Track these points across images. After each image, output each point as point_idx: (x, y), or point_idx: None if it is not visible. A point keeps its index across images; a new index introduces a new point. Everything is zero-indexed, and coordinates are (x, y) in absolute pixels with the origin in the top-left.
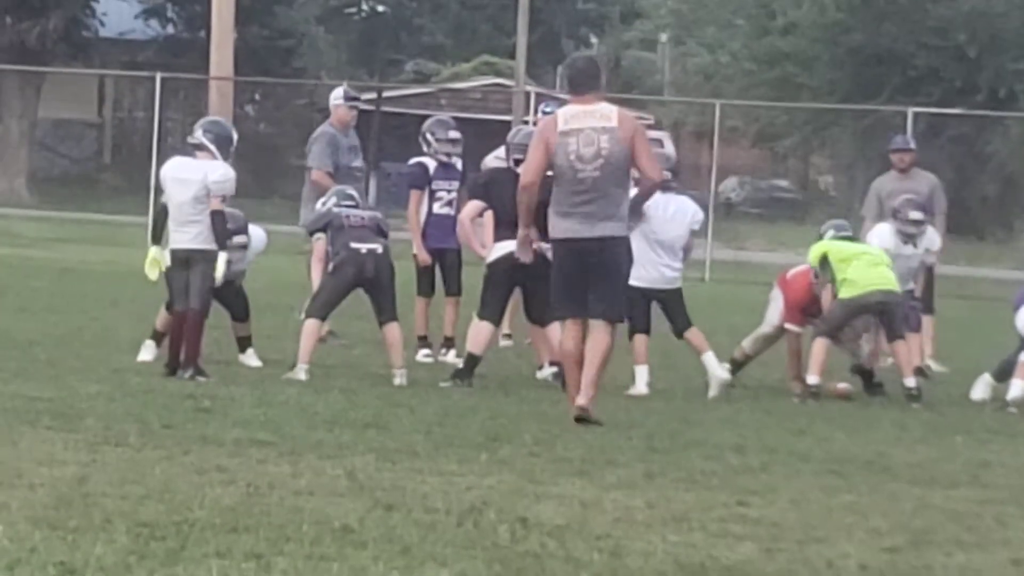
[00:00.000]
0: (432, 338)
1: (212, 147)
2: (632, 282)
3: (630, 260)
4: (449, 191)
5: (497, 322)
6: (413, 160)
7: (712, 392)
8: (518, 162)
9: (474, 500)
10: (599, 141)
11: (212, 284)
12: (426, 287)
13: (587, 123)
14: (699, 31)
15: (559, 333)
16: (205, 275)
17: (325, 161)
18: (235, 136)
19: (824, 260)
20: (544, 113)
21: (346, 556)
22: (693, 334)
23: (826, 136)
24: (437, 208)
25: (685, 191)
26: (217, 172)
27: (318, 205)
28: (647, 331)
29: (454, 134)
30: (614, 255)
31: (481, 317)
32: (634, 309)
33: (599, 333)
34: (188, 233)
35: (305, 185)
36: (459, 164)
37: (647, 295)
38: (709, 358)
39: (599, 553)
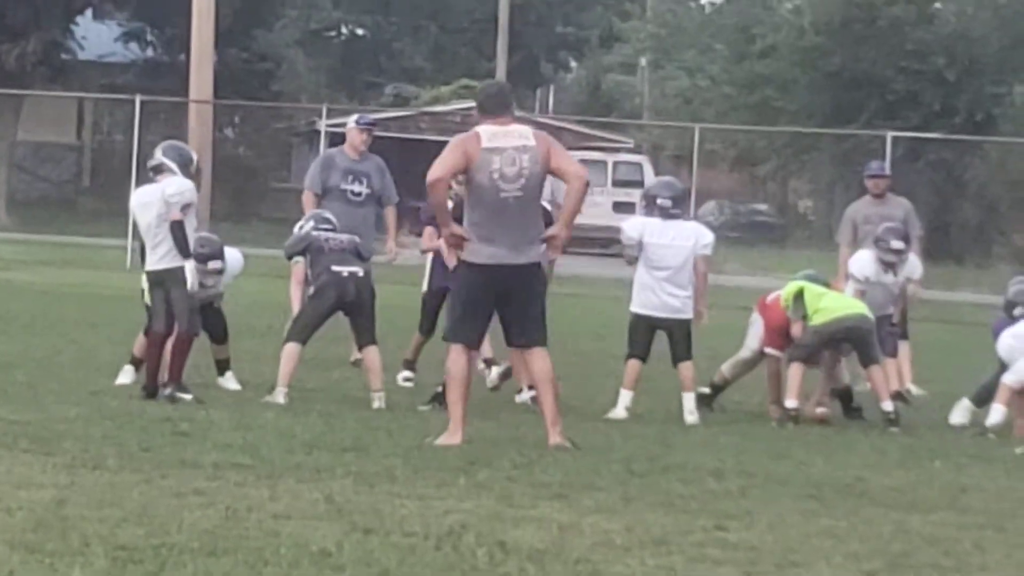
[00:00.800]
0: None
1: (172, 164)
2: (636, 309)
3: (545, 285)
4: None
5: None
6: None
7: (687, 422)
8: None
9: (452, 524)
10: (521, 161)
11: (191, 301)
12: (428, 325)
13: (509, 143)
14: (678, 55)
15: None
16: (182, 295)
17: (312, 181)
18: (195, 157)
19: (798, 297)
20: None
21: None
22: (686, 368)
23: (805, 160)
24: None
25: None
26: (172, 186)
27: (295, 228)
28: (643, 359)
29: None
30: (536, 280)
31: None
32: (635, 335)
33: (542, 361)
34: (157, 254)
35: None
36: None
37: (651, 323)
38: (689, 399)
39: None
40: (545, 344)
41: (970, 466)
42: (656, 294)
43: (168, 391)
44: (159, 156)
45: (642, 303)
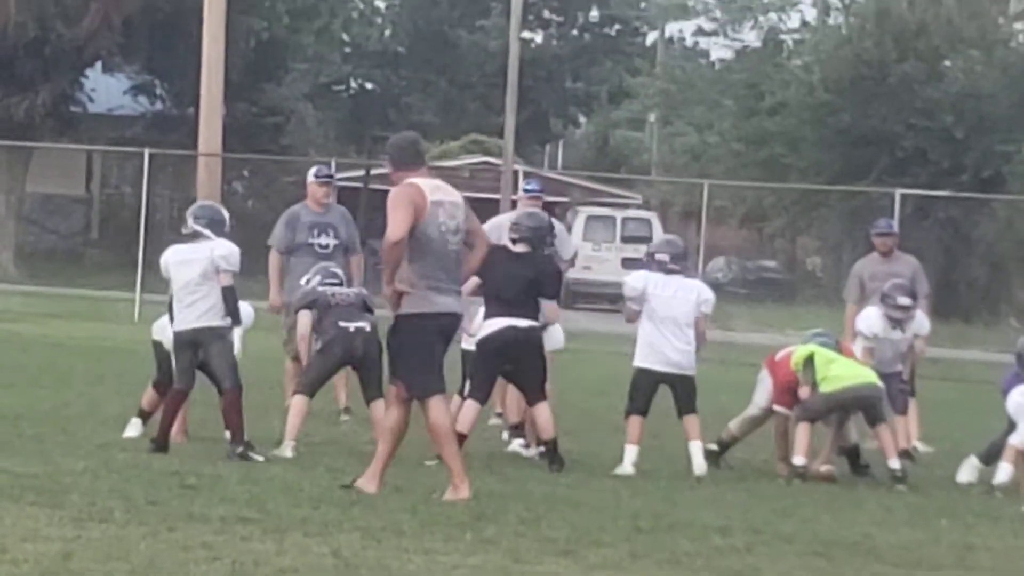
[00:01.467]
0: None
1: (207, 232)
2: (640, 364)
3: None
4: None
5: (483, 401)
6: None
7: (695, 473)
8: (514, 241)
9: None
10: (457, 216)
11: (234, 360)
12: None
13: (447, 197)
14: (687, 111)
15: (546, 412)
16: (223, 352)
17: (278, 241)
18: (227, 215)
19: (808, 361)
20: (524, 191)
21: None
22: (691, 420)
23: (814, 217)
24: None
25: (692, 275)
26: (224, 247)
27: (302, 282)
28: (644, 413)
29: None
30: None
31: (469, 396)
32: (636, 390)
33: (439, 411)
34: (195, 311)
35: None
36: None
37: (655, 378)
38: (696, 447)
39: None
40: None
41: (977, 525)
42: (661, 349)
43: (240, 450)
44: (191, 224)
45: (645, 357)
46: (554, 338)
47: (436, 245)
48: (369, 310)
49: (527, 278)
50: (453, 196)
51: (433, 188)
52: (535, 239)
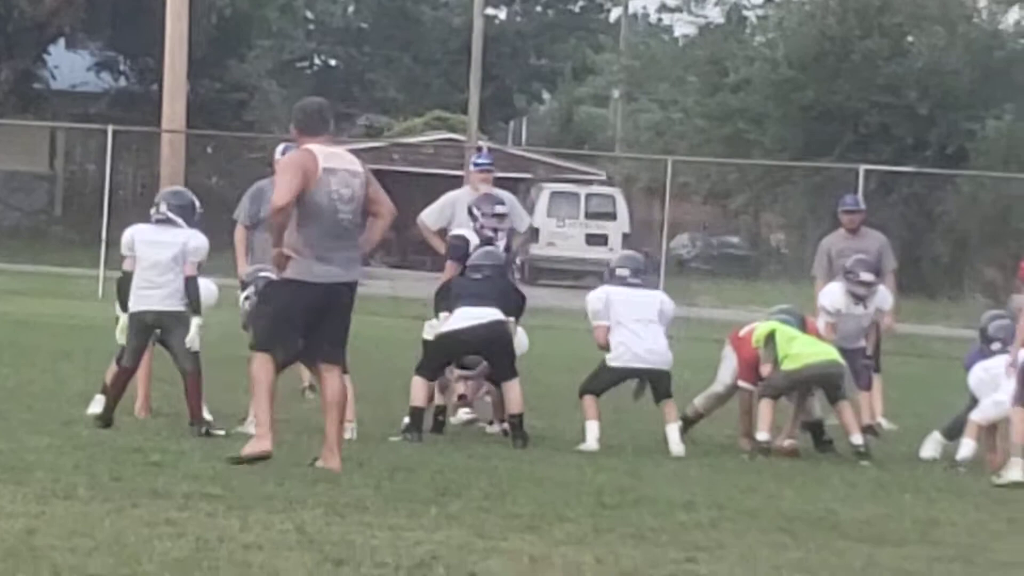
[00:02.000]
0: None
1: (178, 219)
2: (613, 363)
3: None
4: None
5: (432, 379)
6: (455, 231)
7: (673, 452)
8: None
9: (423, 555)
10: (353, 184)
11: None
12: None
13: (342, 165)
14: (651, 87)
15: (517, 389)
16: (182, 337)
17: (243, 214)
18: (197, 203)
19: (770, 338)
20: (475, 164)
21: None
22: (668, 405)
23: (777, 193)
24: None
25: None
26: (197, 239)
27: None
28: (599, 396)
29: (500, 208)
30: (352, 298)
31: (418, 372)
32: (598, 380)
33: (337, 382)
34: (161, 294)
35: None
36: (503, 241)
37: (624, 374)
38: (673, 430)
39: None
40: (344, 365)
41: (941, 500)
42: (632, 347)
43: (204, 430)
44: (164, 210)
45: (619, 356)
46: (518, 343)
47: (326, 213)
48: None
49: (491, 297)
50: (351, 165)
51: (328, 155)
52: (495, 273)
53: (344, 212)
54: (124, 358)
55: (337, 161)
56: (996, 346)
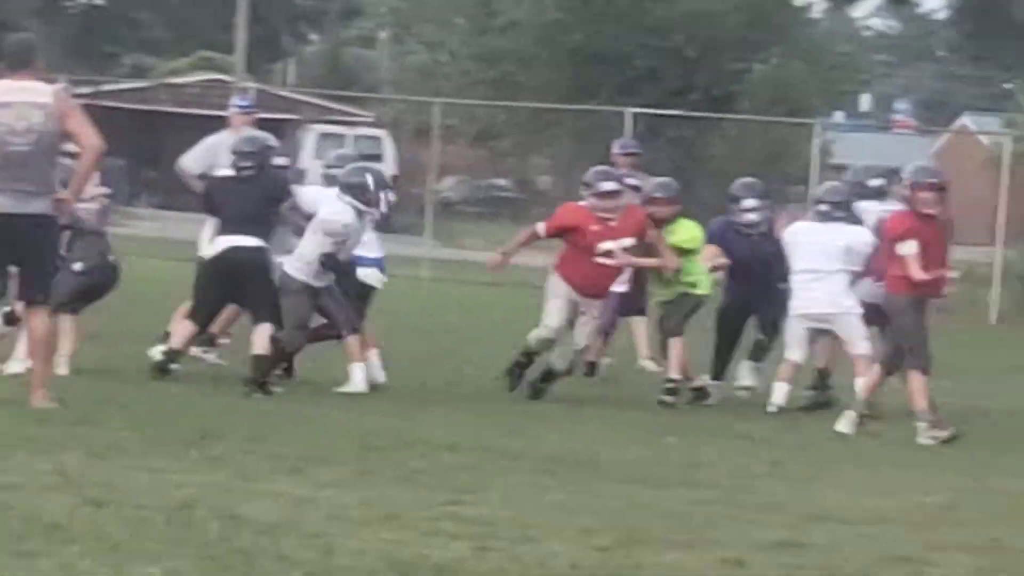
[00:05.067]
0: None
1: None
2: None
3: (57, 240)
4: None
5: (203, 325)
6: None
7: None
8: (239, 169)
9: (185, 497)
10: (32, 116)
11: None
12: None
13: (20, 97)
14: (418, 29)
15: (266, 332)
16: None
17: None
18: None
19: None
20: (237, 107)
21: (54, 552)
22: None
23: (545, 136)
24: None
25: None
26: None
27: None
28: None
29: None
30: (45, 234)
31: (188, 315)
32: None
33: (38, 321)
34: None
35: None
36: None
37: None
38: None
39: (311, 551)
40: (46, 303)
41: (704, 443)
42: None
43: None
44: None
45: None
46: (372, 276)
47: None
48: None
49: (253, 198)
50: (33, 97)
51: (7, 90)
52: (258, 162)
53: (17, 144)
54: None
55: (16, 95)
56: (823, 207)
